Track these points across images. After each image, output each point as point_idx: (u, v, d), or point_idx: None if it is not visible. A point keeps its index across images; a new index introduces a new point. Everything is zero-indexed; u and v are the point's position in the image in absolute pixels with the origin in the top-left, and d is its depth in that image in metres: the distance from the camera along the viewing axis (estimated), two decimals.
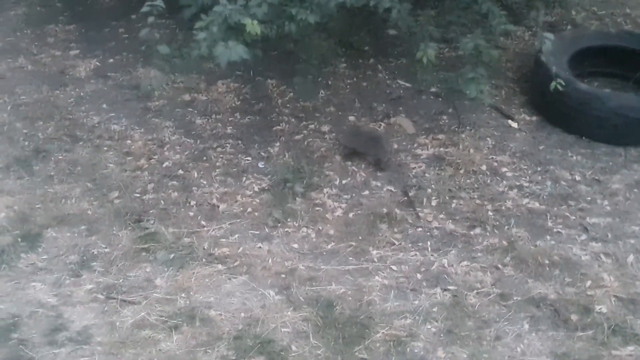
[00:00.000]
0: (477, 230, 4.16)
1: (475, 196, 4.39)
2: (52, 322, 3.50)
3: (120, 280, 3.79)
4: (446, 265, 3.94)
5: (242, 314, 3.63)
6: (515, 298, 3.72)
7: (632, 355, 3.39)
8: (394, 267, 3.94)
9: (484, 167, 4.59)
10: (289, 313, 3.64)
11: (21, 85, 5.50)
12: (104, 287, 3.74)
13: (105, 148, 4.81)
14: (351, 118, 5.11)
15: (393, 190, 4.49)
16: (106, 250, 3.99)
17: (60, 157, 4.71)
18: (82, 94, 5.38)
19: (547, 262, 3.91)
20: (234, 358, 3.36)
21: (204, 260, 3.96)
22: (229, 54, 3.59)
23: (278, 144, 4.88)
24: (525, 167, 4.61)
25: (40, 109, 5.20)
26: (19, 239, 4.02)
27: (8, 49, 6.02)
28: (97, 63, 5.77)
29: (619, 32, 5.50)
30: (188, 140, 4.92)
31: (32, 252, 3.95)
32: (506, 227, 4.16)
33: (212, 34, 3.69)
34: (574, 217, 4.21)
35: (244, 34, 3.69)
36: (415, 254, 4.03)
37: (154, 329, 3.50)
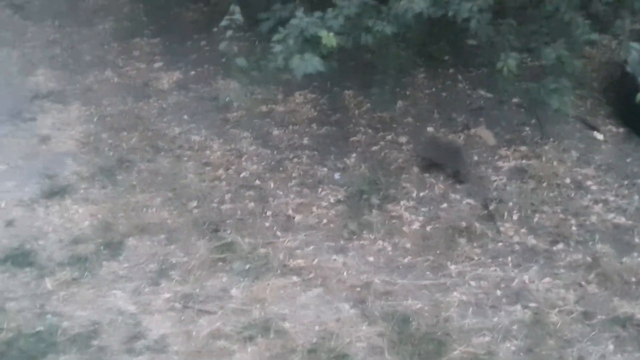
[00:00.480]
0: (560, 246, 4.02)
1: (559, 210, 4.25)
2: (130, 330, 3.56)
3: (197, 290, 3.82)
4: (527, 281, 3.82)
5: (317, 327, 3.59)
6: (599, 317, 3.56)
7: None
8: (472, 283, 3.85)
9: (567, 180, 4.44)
10: (364, 327, 3.58)
11: (107, 97, 5.68)
12: (182, 296, 3.79)
13: (185, 158, 4.90)
14: (429, 129, 5.04)
15: (473, 203, 4.40)
16: (184, 259, 4.04)
17: (142, 167, 4.83)
18: (164, 105, 5.51)
19: (633, 279, 3.75)
20: None
21: (279, 271, 3.96)
22: (305, 66, 3.60)
23: (354, 155, 4.86)
24: (611, 180, 4.44)
25: (125, 120, 5.35)
26: (102, 247, 4.11)
27: (96, 62, 6.24)
28: (180, 75, 5.91)
29: None
30: (265, 150, 4.96)
31: (113, 260, 4.04)
32: (590, 242, 4.01)
33: (288, 47, 3.71)
34: None
35: (320, 46, 3.69)
36: (495, 270, 3.92)
37: (229, 339, 3.51)
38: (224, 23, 3.94)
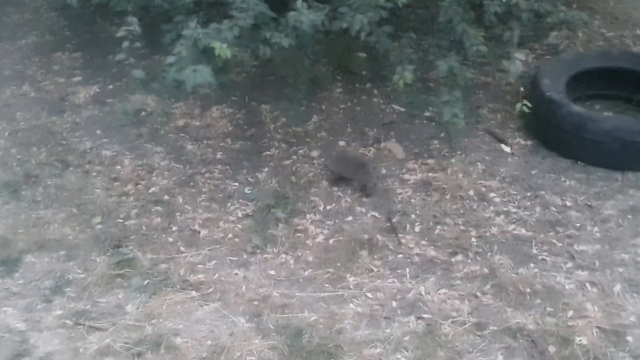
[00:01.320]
0: (459, 257, 4.05)
1: (460, 222, 4.29)
2: (16, 347, 3.51)
3: (90, 307, 3.78)
4: (423, 292, 3.84)
5: (209, 342, 3.58)
6: (491, 328, 3.60)
7: None
8: (369, 295, 3.86)
9: (471, 193, 4.49)
10: (256, 341, 3.58)
11: (22, 112, 5.59)
12: (74, 313, 3.74)
13: (94, 173, 4.85)
14: (342, 143, 5.06)
15: (377, 216, 4.42)
16: (81, 275, 3.99)
17: (49, 182, 4.76)
18: (78, 120, 5.45)
19: (528, 290, 3.78)
20: None
21: (178, 286, 3.93)
22: (195, 77, 3.59)
23: (266, 169, 4.86)
24: (515, 192, 4.49)
25: (36, 135, 5.27)
26: None
27: (15, 77, 6.15)
28: (97, 89, 5.85)
29: (621, 53, 5.35)
30: (177, 165, 4.93)
31: (8, 277, 3.98)
32: (489, 254, 4.05)
33: (182, 58, 3.71)
34: (560, 244, 4.07)
35: (214, 58, 3.69)
36: (393, 281, 3.94)
37: (117, 356, 3.47)
38: (120, 34, 3.93)
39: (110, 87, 5.87)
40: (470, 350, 3.49)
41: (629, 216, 4.26)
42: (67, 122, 5.44)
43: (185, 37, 3.77)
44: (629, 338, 3.50)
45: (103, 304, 3.81)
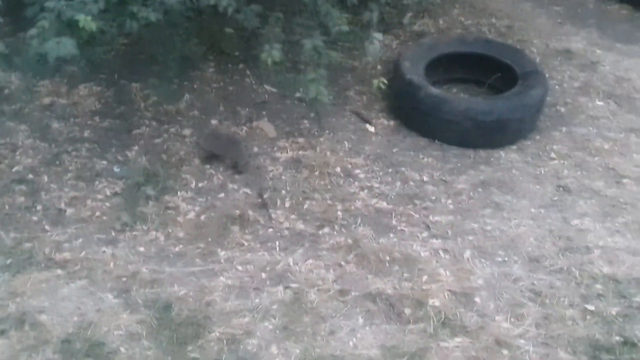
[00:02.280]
0: (326, 230, 4.22)
1: (327, 197, 4.46)
2: None
3: None
4: (291, 263, 3.98)
5: (75, 318, 3.56)
6: (353, 294, 3.79)
7: (458, 347, 3.51)
8: (239, 268, 3.95)
9: (338, 169, 4.67)
10: (124, 316, 3.59)
11: None
12: None
13: None
14: (214, 122, 5.11)
15: (249, 192, 4.51)
16: None
17: None
18: None
19: (388, 258, 4.01)
20: None
21: (43, 265, 3.86)
22: (59, 49, 3.54)
23: (136, 147, 4.83)
24: (378, 169, 4.71)
25: None
26: None
27: None
28: None
29: (475, 40, 5.70)
30: (42, 144, 4.80)
31: None
32: (353, 226, 4.24)
33: (45, 31, 3.63)
34: (417, 216, 4.33)
35: (79, 31, 3.64)
36: (264, 254, 4.05)
37: None
38: None
39: None
40: (334, 315, 3.66)
41: (479, 189, 4.58)
42: None
43: (48, 10, 3.69)
44: (477, 299, 3.78)
45: None
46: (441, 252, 4.07)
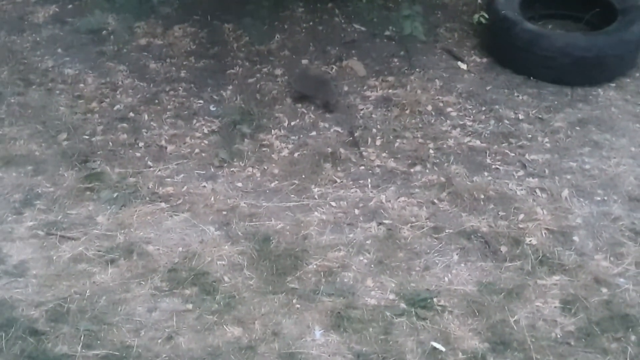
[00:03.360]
0: (417, 168, 4.19)
1: (419, 135, 4.41)
2: None
3: (61, 218, 3.82)
4: (384, 200, 3.98)
5: (180, 249, 3.67)
6: (447, 231, 3.77)
7: (556, 284, 3.46)
8: (333, 204, 3.98)
9: (429, 108, 4.60)
10: (226, 247, 3.68)
11: None
12: (45, 224, 3.78)
13: (57, 92, 4.80)
14: (304, 61, 5.10)
15: (340, 131, 4.51)
16: (50, 189, 4.01)
17: (12, 100, 4.70)
18: (38, 39, 5.35)
19: (482, 196, 3.95)
20: (167, 289, 3.41)
21: (147, 198, 3.98)
22: None
23: (231, 87, 4.88)
24: (470, 107, 4.62)
25: None
26: None
27: None
28: (56, 9, 5.72)
29: None
30: (141, 83, 4.91)
31: None
32: (446, 164, 4.19)
33: None
34: (513, 154, 4.25)
35: None
36: (356, 191, 4.06)
37: (90, 262, 3.55)
38: None
39: (70, 6, 5.75)
40: (428, 251, 3.66)
41: (577, 128, 4.44)
42: (27, 41, 5.34)
43: None
44: (575, 238, 3.70)
45: (74, 215, 3.85)
46: (538, 191, 3.98)
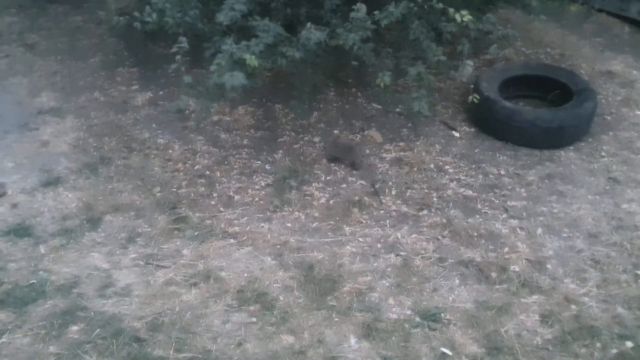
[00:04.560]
0: (425, 212, 4.16)
1: (425, 187, 4.40)
2: (103, 281, 3.57)
3: (156, 251, 3.84)
4: (399, 237, 3.95)
5: (245, 274, 3.67)
6: (450, 261, 3.72)
7: (536, 302, 3.40)
8: (360, 239, 3.97)
9: (432, 166, 4.60)
10: (280, 273, 3.68)
11: (95, 112, 5.58)
12: (144, 255, 3.81)
13: (152, 156, 4.88)
14: (335, 132, 5.14)
15: (364, 183, 4.51)
16: (148, 229, 4.05)
17: (119, 162, 4.78)
18: (138, 117, 5.46)
19: (475, 234, 3.91)
20: (236, 306, 3.41)
21: (220, 236, 4.00)
22: (232, 80, 3.65)
23: (281, 151, 4.93)
24: (463, 165, 4.60)
25: (107, 128, 5.28)
26: (85, 222, 4.09)
27: (87, 86, 6.12)
28: (151, 94, 5.84)
29: (537, 64, 5.46)
30: (214, 149, 4.98)
31: (93, 231, 4.02)
32: (446, 209, 4.16)
33: (221, 67, 3.76)
34: (497, 201, 4.20)
35: (245, 66, 3.75)
36: (377, 230, 4.04)
37: (179, 285, 3.56)
38: (173, 50, 3.96)
39: (161, 92, 5.88)
40: (435, 276, 3.62)
41: (546, 181, 4.40)
42: (130, 118, 5.45)
43: (224, 51, 3.81)
44: (548, 266, 3.65)
45: (165, 249, 3.88)
46: (518, 230, 3.94)
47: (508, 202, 4.19)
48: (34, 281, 3.48)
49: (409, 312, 3.36)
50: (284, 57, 3.97)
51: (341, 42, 3.88)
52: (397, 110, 5.29)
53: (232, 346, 3.12)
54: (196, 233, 4.01)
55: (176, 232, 4.03)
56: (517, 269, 3.61)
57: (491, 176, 4.48)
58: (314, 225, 4.12)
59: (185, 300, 3.43)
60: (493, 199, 4.23)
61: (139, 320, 3.26)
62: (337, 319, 3.31)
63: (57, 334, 3.11)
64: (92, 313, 3.27)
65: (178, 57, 3.96)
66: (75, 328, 3.16)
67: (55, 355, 2.97)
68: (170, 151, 4.95)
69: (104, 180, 4.57)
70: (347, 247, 3.89)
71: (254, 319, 3.30)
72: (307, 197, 4.38)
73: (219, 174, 4.66)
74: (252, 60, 3.70)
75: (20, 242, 3.84)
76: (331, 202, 4.33)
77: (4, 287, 3.42)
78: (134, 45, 6.78)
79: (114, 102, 5.77)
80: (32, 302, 3.31)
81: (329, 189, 4.47)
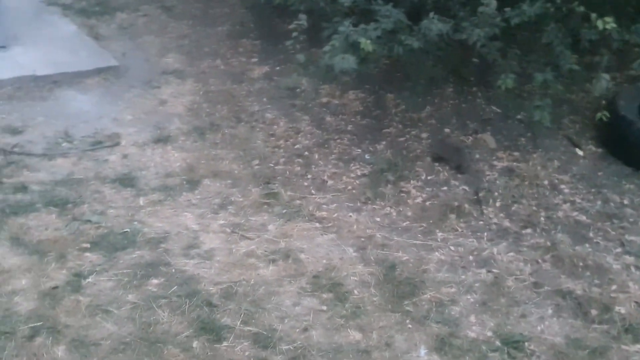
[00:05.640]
0: (528, 230, 3.89)
1: (533, 204, 4.10)
2: (190, 241, 3.70)
3: (244, 222, 3.92)
4: (495, 253, 3.73)
5: (324, 261, 3.64)
6: (546, 288, 3.45)
7: (639, 352, 3.03)
8: (452, 248, 3.79)
9: (545, 182, 4.28)
10: (359, 267, 3.61)
11: (213, 79, 5.83)
12: (232, 224, 3.90)
13: (258, 129, 5.00)
14: (446, 130, 4.94)
15: (467, 189, 4.31)
16: (240, 199, 4.15)
17: (226, 131, 4.95)
18: (251, 89, 5.63)
19: (581, 264, 3.59)
20: (309, 290, 3.39)
21: (306, 218, 4.00)
22: (342, 63, 3.62)
23: (384, 142, 4.83)
24: (582, 187, 4.24)
25: (222, 96, 5.49)
26: (184, 182, 4.27)
27: (211, 53, 6.42)
28: (268, 69, 6.00)
29: None
30: (317, 131, 5.00)
31: (190, 192, 4.18)
32: (553, 231, 3.86)
33: (335, 48, 3.74)
34: (614, 233, 3.82)
35: (359, 50, 3.70)
36: (473, 241, 3.84)
37: (258, 259, 3.61)
38: (292, 26, 4.00)
39: (277, 68, 6.01)
40: (527, 301, 3.37)
41: None
42: (243, 89, 5.63)
43: (340, 33, 3.79)
44: None
45: (253, 221, 3.95)
46: (632, 268, 3.56)
47: (626, 236, 3.80)
48: (128, 230, 3.71)
49: (489, 334, 3.16)
50: (401, 45, 3.86)
51: (465, 37, 3.69)
52: (518, 117, 4.98)
53: (297, 330, 3.12)
54: (284, 211, 4.05)
55: (265, 206, 4.10)
56: (622, 310, 3.25)
57: (612, 204, 4.08)
58: (404, 224, 4.00)
59: (261, 274, 3.48)
60: (609, 229, 3.85)
61: (215, 285, 3.35)
62: (410, 326, 3.19)
63: (138, 284, 3.29)
64: (173, 270, 3.41)
65: (295, 34, 3.99)
66: (155, 281, 3.32)
67: (132, 304, 3.14)
68: (275, 127, 5.04)
69: (209, 145, 4.75)
70: (436, 253, 3.74)
71: (325, 308, 3.28)
72: (402, 194, 4.27)
73: (317, 156, 4.67)
74: (366, 44, 3.64)
75: (124, 191, 4.10)
76: (427, 203, 4.18)
77: (101, 230, 3.67)
78: (261, 18, 6.98)
79: (232, 72, 5.99)
80: (122, 250, 3.53)
81: (427, 189, 4.32)
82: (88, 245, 3.52)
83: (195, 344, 2.94)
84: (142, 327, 2.99)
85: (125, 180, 4.23)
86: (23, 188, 3.97)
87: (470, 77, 5.59)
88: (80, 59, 5.80)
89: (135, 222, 3.79)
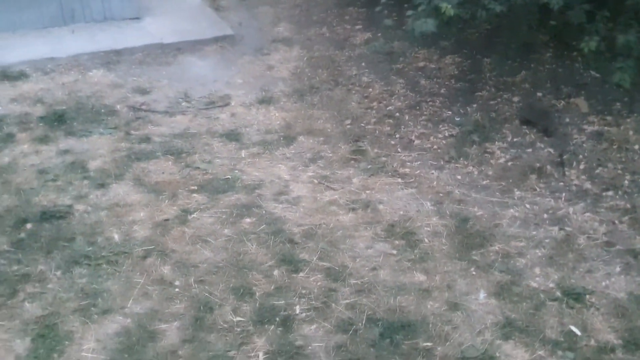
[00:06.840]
0: (609, 193, 3.89)
1: (619, 167, 4.06)
2: (281, 189, 4.13)
3: (330, 174, 4.29)
4: (571, 212, 3.79)
5: (401, 212, 3.90)
6: (618, 247, 3.49)
7: None
8: (527, 206, 3.90)
9: (636, 147, 4.19)
10: (434, 219, 3.83)
11: (318, 45, 6.23)
12: (320, 176, 4.27)
13: (353, 92, 5.32)
14: (539, 94, 4.93)
15: (552, 152, 4.34)
16: (329, 154, 4.51)
17: (324, 93, 5.32)
18: (352, 55, 5.95)
19: None
20: (383, 237, 3.69)
21: (390, 174, 4.27)
22: (421, 27, 3.81)
23: (475, 105, 4.95)
24: None
25: (323, 61, 5.87)
26: (281, 138, 4.72)
27: (319, 21, 6.80)
28: (370, 35, 6.27)
29: None
30: (411, 94, 5.21)
31: (285, 147, 4.61)
32: (636, 194, 3.81)
33: (418, 13, 3.93)
34: None
35: (440, 15, 3.86)
36: (550, 200, 3.92)
37: (339, 207, 3.95)
38: None
39: (379, 34, 6.26)
40: (595, 258, 3.43)
41: None
42: (344, 55, 5.96)
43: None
44: None
45: (339, 174, 4.29)
46: None
47: None
48: (229, 177, 4.24)
49: (551, 285, 3.28)
50: (484, 9, 3.96)
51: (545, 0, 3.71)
52: (615, 81, 4.81)
53: (367, 268, 3.44)
54: (369, 167, 4.36)
55: (352, 161, 4.43)
56: None
57: None
58: (484, 182, 4.15)
59: (340, 220, 3.83)
60: None
61: (298, 226, 3.76)
62: (474, 273, 3.40)
63: (233, 221, 3.80)
64: (264, 212, 3.88)
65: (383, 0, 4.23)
66: (247, 220, 3.81)
67: (227, 237, 3.66)
68: (370, 89, 5.33)
69: (307, 106, 5.17)
70: (511, 210, 3.86)
71: (395, 252, 3.56)
72: (486, 154, 4.40)
73: (407, 118, 4.91)
74: (448, 9, 3.80)
75: (229, 145, 4.65)
76: (510, 163, 4.28)
77: (207, 176, 4.24)
78: None
79: (336, 39, 6.35)
80: (223, 193, 4.06)
81: (512, 150, 4.41)
82: (196, 188, 4.10)
83: (275, 272, 3.39)
84: (233, 255, 3.50)
85: (231, 135, 4.78)
86: (147, 139, 4.65)
87: (571, 41, 5.45)
88: (201, 29, 6.47)
89: (236, 171, 4.31)
